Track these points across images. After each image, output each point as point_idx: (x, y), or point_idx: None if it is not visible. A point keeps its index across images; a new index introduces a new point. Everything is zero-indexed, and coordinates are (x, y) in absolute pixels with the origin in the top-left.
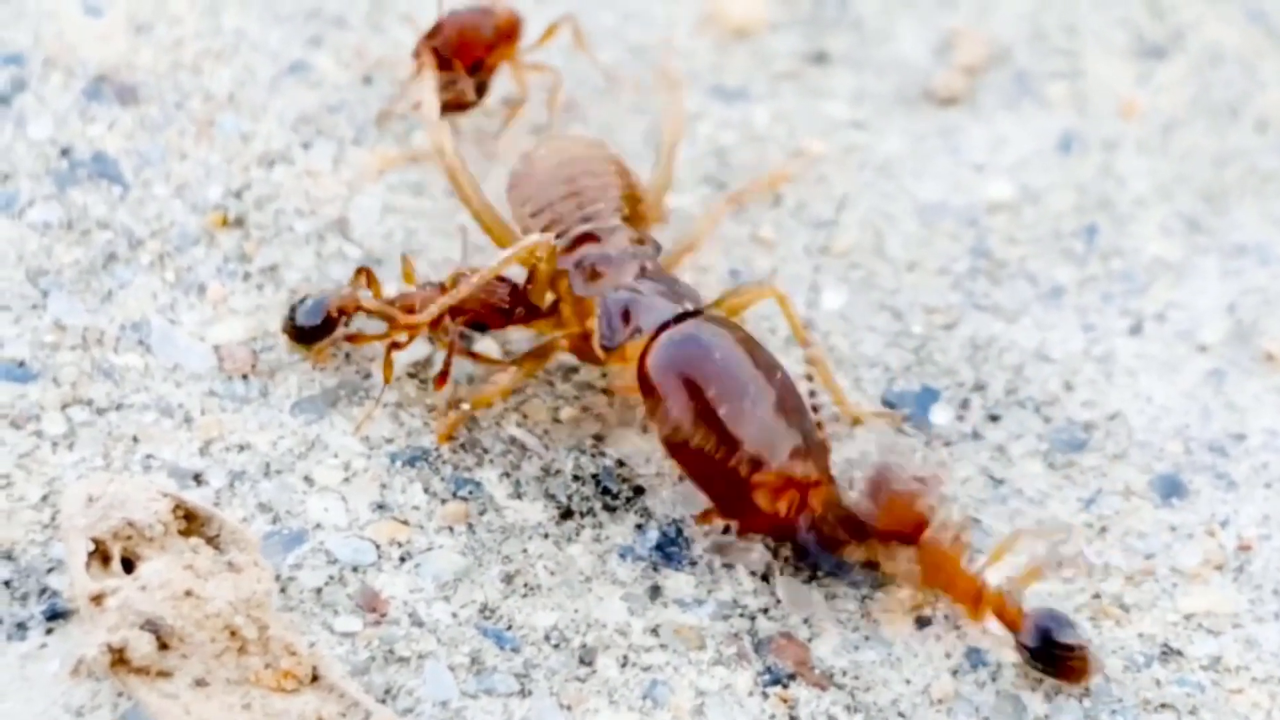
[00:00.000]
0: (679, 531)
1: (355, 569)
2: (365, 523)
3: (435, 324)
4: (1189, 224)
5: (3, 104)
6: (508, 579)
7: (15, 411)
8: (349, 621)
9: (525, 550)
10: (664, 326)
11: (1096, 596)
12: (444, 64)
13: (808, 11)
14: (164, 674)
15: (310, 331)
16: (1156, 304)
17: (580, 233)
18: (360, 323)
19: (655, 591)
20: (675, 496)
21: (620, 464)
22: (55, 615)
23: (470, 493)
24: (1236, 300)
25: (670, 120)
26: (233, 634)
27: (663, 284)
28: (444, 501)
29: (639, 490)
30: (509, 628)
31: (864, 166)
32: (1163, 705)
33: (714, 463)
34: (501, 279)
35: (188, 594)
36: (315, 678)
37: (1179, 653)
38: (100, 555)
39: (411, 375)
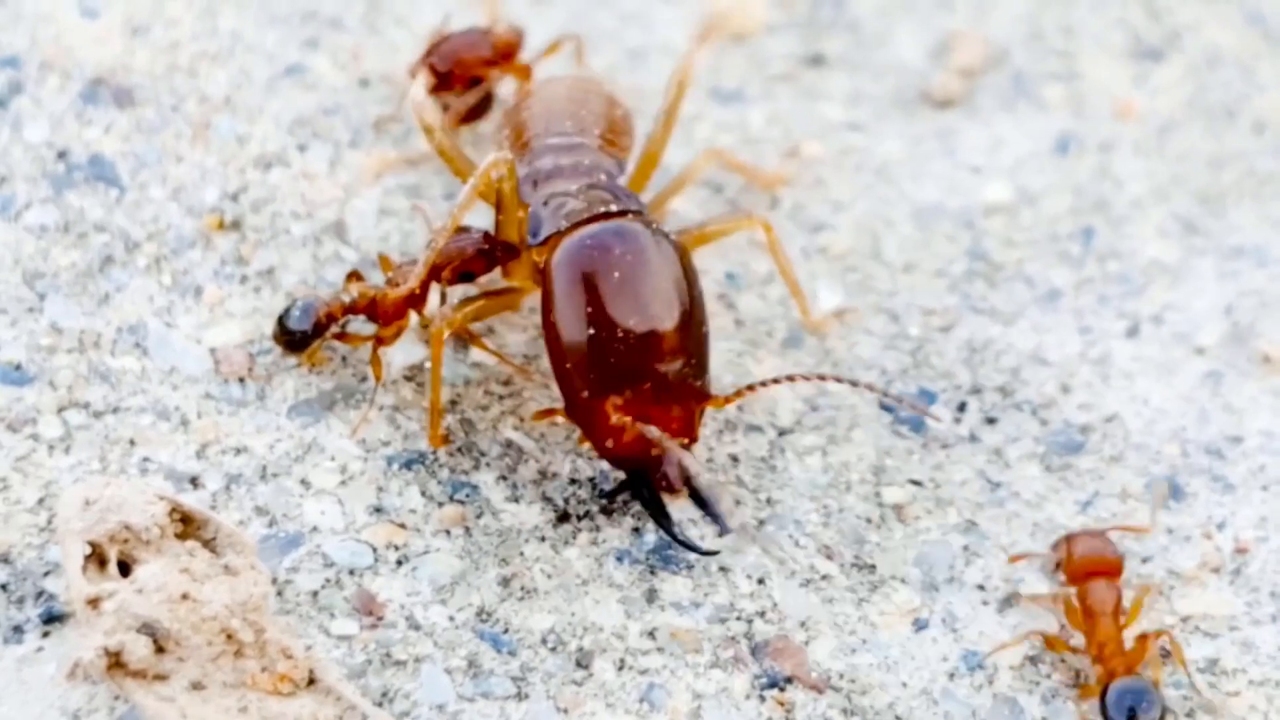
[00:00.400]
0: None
1: (352, 572)
2: (362, 526)
3: (421, 301)
4: (1186, 226)
5: None
6: (504, 582)
7: (12, 415)
8: (346, 624)
9: (522, 553)
10: (589, 221)
11: None
12: (442, 82)
13: (804, 14)
14: (160, 677)
15: (301, 337)
16: (1153, 306)
17: (543, 145)
18: (354, 325)
19: (652, 595)
20: (672, 500)
21: None
22: (52, 618)
23: (467, 496)
24: (1234, 302)
25: (679, 71)
26: (229, 637)
27: (606, 191)
28: (441, 504)
29: None
30: (506, 631)
31: (861, 169)
32: None
33: (575, 362)
34: (471, 227)
35: (184, 597)
36: (312, 681)
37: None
38: (97, 558)
39: (408, 378)
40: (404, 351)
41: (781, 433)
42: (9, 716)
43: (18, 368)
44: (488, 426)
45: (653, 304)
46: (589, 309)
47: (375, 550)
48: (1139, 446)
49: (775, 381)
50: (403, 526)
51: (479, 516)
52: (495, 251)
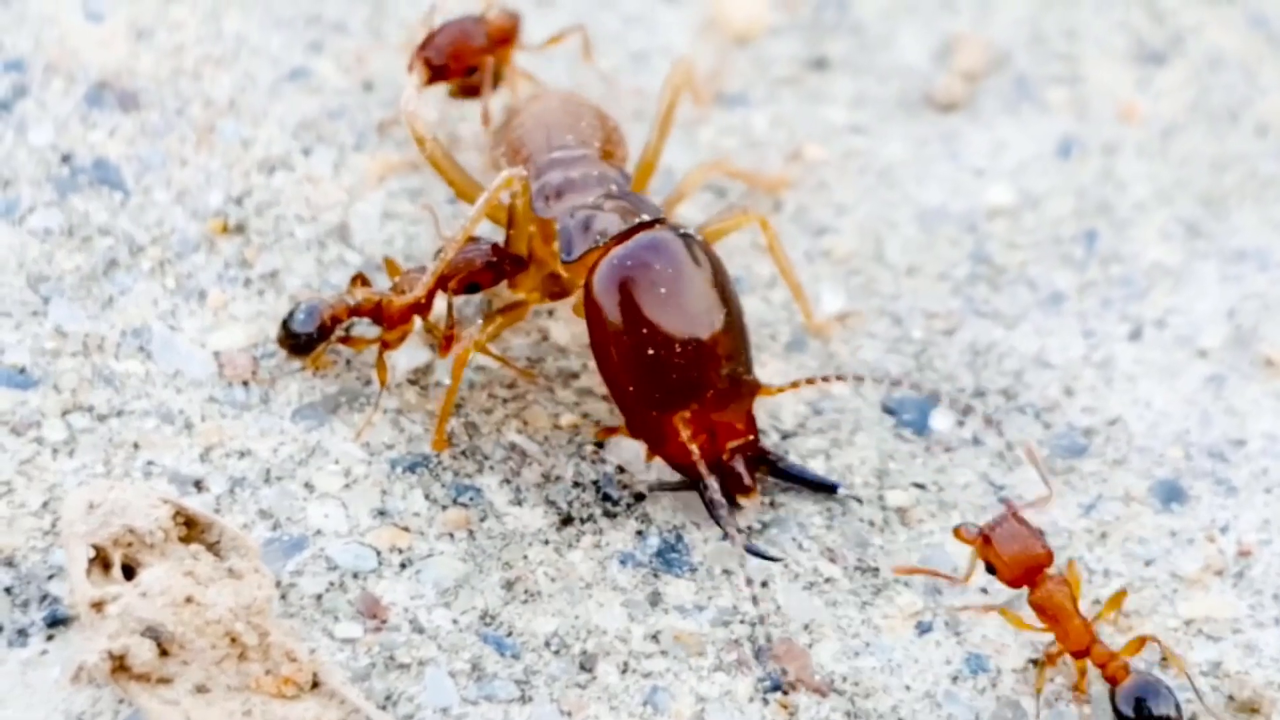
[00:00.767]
0: (679, 538)
1: (356, 575)
2: (366, 529)
3: (426, 309)
4: (1189, 229)
5: (4, 110)
6: (508, 585)
7: (16, 418)
8: (349, 628)
9: (526, 556)
10: (623, 237)
11: (1096, 602)
12: (438, 74)
13: (808, 16)
14: (164, 681)
15: (306, 340)
16: (1156, 309)
17: (547, 160)
18: (358, 328)
19: (655, 598)
20: (675, 503)
21: (621, 470)
22: (56, 622)
23: (471, 499)
24: (1236, 305)
25: (675, 74)
26: (233, 640)
27: (626, 201)
28: (444, 508)
29: (639, 496)
30: (509, 634)
31: (864, 172)
32: None
33: (636, 382)
34: (480, 239)
35: (188, 600)
36: (316, 684)
37: (1179, 658)
38: (101, 562)
39: (412, 382)
40: (408, 355)
41: (785, 436)
42: None
43: (22, 371)
44: (491, 430)
45: (703, 313)
46: (644, 330)
47: (379, 553)
48: (1142, 449)
49: (825, 380)
50: (406, 530)
51: (483, 520)
52: (503, 264)
